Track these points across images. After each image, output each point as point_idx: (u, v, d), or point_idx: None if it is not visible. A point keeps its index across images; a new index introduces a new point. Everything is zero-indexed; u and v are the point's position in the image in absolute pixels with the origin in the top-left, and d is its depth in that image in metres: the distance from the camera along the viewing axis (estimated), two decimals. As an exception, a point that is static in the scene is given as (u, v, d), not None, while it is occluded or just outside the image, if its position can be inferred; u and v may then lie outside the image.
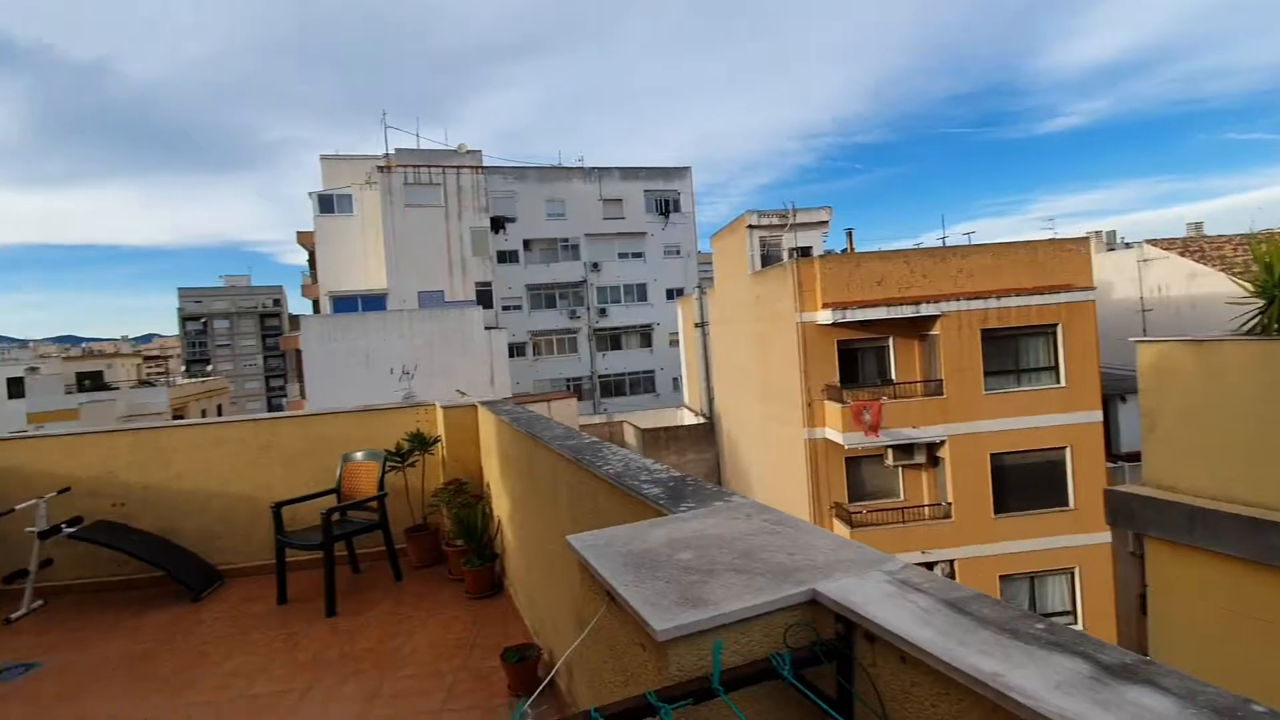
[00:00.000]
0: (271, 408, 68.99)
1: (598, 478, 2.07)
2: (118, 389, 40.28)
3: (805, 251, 19.45)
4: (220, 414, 47.33)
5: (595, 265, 40.33)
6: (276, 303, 79.62)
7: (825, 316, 14.44)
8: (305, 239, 34.28)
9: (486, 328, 27.82)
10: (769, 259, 19.57)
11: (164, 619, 4.32)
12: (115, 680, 3.51)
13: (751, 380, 18.81)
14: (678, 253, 41.81)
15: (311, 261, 34.24)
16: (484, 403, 4.72)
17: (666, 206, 41.81)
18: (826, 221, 20.88)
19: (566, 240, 40.27)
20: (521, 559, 3.60)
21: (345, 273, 31.49)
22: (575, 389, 36.96)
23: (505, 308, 36.31)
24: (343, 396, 24.27)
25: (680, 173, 42.73)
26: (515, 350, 35.41)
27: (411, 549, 4.84)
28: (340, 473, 4.81)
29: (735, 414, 21.41)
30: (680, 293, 37.61)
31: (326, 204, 32.20)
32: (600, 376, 39.74)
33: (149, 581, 4.82)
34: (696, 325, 27.24)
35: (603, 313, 40.38)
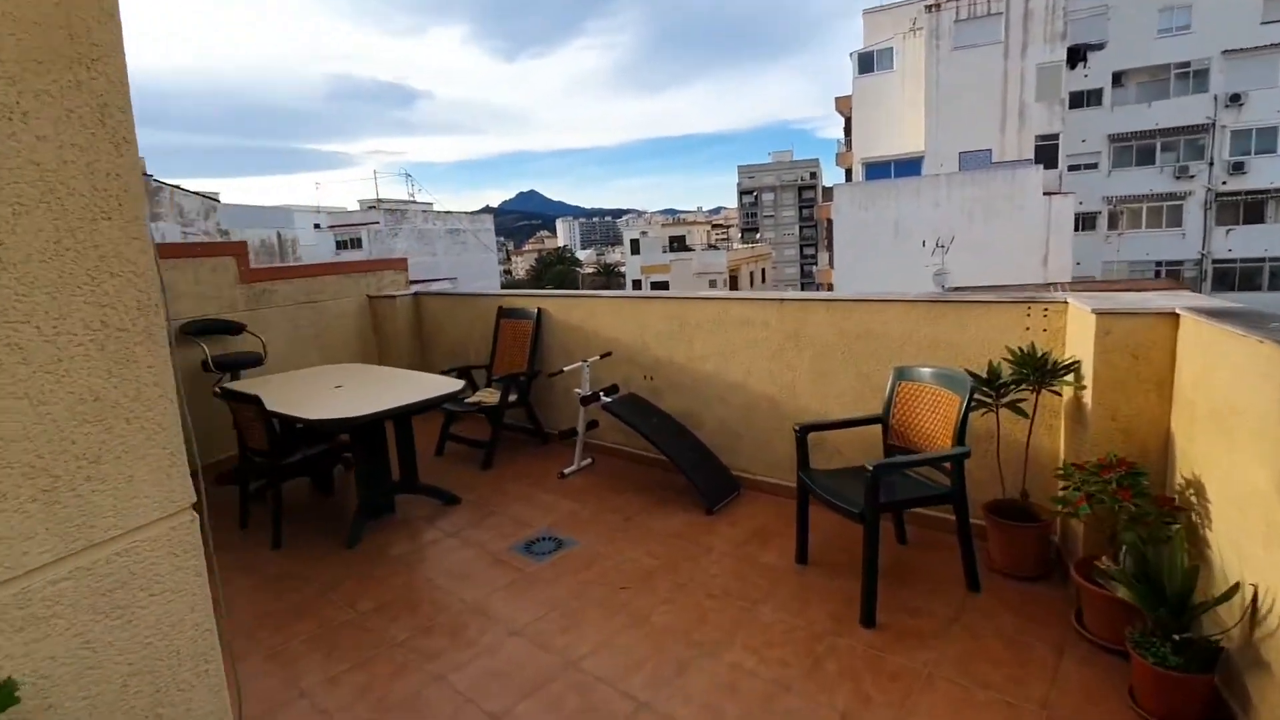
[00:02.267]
0: (803, 274, 75.01)
1: None
2: (693, 250, 49.27)
3: None
4: (764, 279, 53.54)
5: (1234, 98, 27.32)
6: (812, 175, 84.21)
7: None
8: (843, 104, 33.24)
9: (1045, 193, 22.00)
10: None
11: (673, 527, 3.68)
12: (612, 616, 2.87)
13: None
14: None
15: (847, 129, 33.30)
16: (1207, 311, 2.23)
17: None
18: None
19: (1186, 65, 28.12)
20: None
21: (880, 137, 29.36)
22: (1173, 276, 26.99)
23: (1073, 167, 28.34)
24: (866, 269, 23.21)
25: None
26: (1081, 222, 27.46)
27: (995, 540, 2.92)
28: (891, 393, 3.17)
29: None
30: None
31: (866, 63, 29.99)
32: (1217, 261, 27.96)
33: (667, 465, 4.34)
34: None
35: (1238, 168, 27.55)
